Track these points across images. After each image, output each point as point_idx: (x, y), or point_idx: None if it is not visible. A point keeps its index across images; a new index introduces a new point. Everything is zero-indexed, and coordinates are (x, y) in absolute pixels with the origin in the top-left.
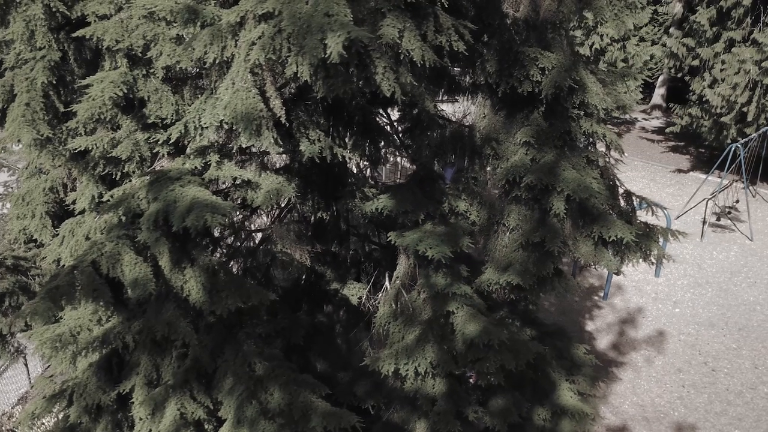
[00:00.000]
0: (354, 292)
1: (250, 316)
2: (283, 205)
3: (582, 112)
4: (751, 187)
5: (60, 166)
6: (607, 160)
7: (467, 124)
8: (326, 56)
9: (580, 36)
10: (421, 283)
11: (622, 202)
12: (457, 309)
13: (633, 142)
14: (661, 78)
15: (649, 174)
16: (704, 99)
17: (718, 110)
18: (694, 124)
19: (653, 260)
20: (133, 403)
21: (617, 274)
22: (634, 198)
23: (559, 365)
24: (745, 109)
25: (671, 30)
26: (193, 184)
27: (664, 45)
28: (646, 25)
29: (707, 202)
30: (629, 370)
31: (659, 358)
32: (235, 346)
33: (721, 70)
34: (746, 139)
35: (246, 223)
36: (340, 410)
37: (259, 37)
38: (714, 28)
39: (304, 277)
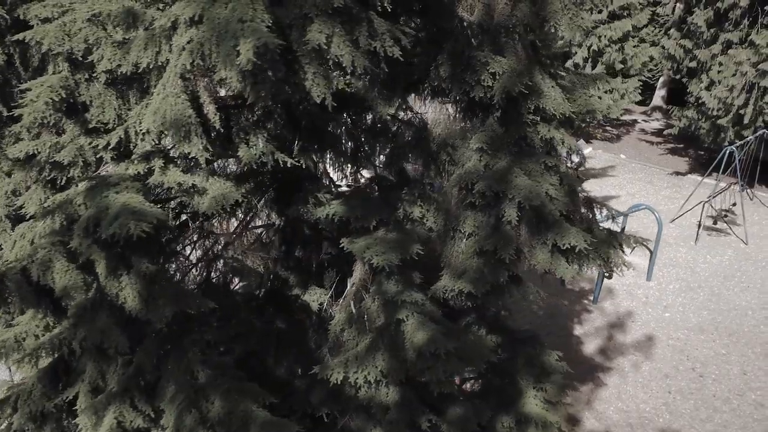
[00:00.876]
0: (315, 298)
1: (198, 323)
2: (243, 211)
3: (539, 118)
4: (748, 190)
5: (6, 170)
6: (569, 166)
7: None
8: (239, 63)
9: (578, 37)
10: (373, 290)
11: (584, 209)
12: (408, 317)
13: (632, 144)
14: (661, 80)
15: (647, 176)
16: (700, 101)
17: (715, 112)
18: (693, 126)
19: (613, 268)
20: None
21: (608, 277)
22: (596, 205)
23: (528, 372)
24: (742, 112)
25: (670, 31)
26: (130, 191)
27: (662, 47)
28: (646, 26)
29: (704, 205)
30: (615, 376)
31: (646, 364)
32: (179, 353)
33: (719, 72)
34: (741, 142)
35: (208, 229)
36: (280, 420)
37: (188, 42)
38: (712, 30)
39: (269, 282)
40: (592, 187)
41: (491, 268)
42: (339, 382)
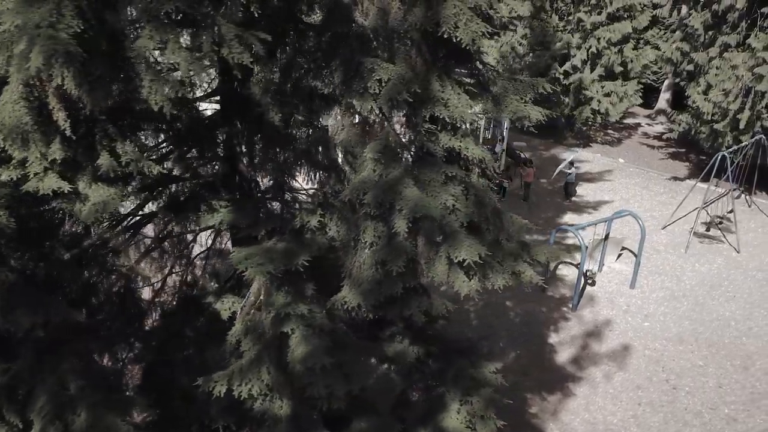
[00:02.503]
0: (227, 306)
1: (89, 331)
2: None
3: (438, 126)
4: (747, 197)
5: None
6: (478, 174)
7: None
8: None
9: (577, 39)
10: (264, 302)
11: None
12: (293, 330)
13: (633, 147)
14: (666, 82)
15: (643, 181)
16: (694, 105)
17: (710, 117)
18: (693, 130)
19: (532, 281)
20: None
21: (591, 285)
22: (503, 215)
23: (456, 385)
24: (739, 116)
25: (668, 34)
26: None
27: (658, 49)
28: (650, 28)
29: (698, 211)
30: (586, 386)
31: (619, 374)
32: (54, 363)
33: (715, 76)
34: (735, 148)
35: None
36: None
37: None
38: (710, 32)
39: (185, 288)
40: (585, 191)
41: (388, 280)
42: (221, 395)
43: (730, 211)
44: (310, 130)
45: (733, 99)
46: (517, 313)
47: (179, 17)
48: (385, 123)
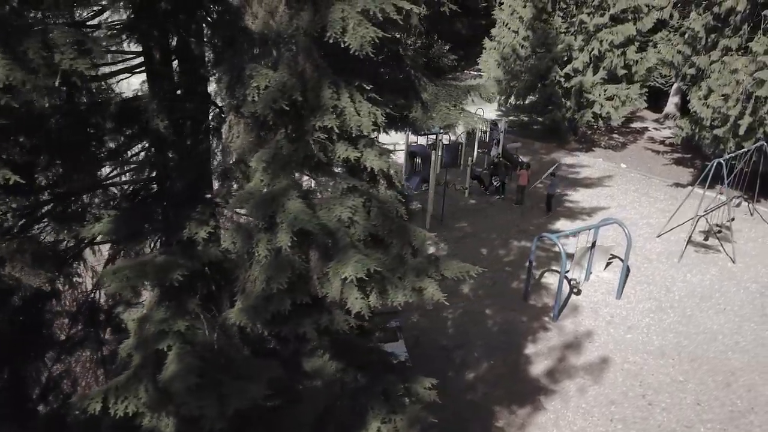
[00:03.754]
0: (135, 316)
1: None
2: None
3: (333, 136)
4: (750, 205)
5: None
6: (386, 186)
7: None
8: None
9: (579, 41)
10: (148, 316)
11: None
12: (170, 347)
13: (636, 152)
14: (675, 86)
15: (644, 187)
16: (692, 110)
17: (708, 122)
18: (696, 136)
19: (433, 298)
20: None
21: (577, 293)
22: (408, 229)
23: (381, 402)
24: (740, 122)
25: (673, 36)
26: None
27: (659, 52)
28: (659, 30)
29: (698, 219)
30: (558, 399)
31: (594, 388)
32: None
33: (716, 80)
34: (731, 155)
35: None
36: None
37: None
38: (712, 35)
39: (92, 297)
40: (582, 197)
41: (276, 296)
42: (97, 412)
43: (732, 220)
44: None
45: (733, 104)
46: (496, 321)
47: None
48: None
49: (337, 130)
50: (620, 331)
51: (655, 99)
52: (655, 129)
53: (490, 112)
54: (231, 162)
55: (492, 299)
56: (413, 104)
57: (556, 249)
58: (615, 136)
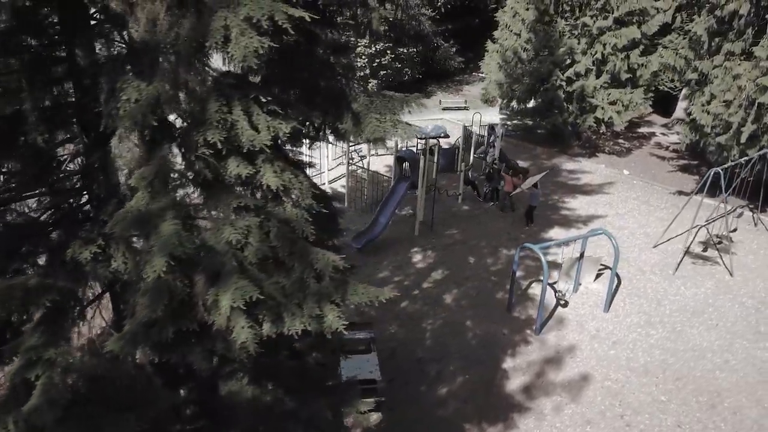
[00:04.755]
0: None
1: None
2: None
3: (223, 151)
4: (754, 214)
5: None
6: (292, 204)
7: None
8: None
9: (583, 45)
10: (18, 343)
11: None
12: (38, 376)
13: (641, 158)
14: (684, 91)
15: (645, 195)
16: (691, 117)
17: (709, 129)
18: (702, 142)
19: (332, 327)
20: None
21: (564, 305)
22: (312, 251)
23: (310, 425)
24: (742, 129)
25: (671, 39)
26: None
27: (660, 56)
28: (668, 33)
29: (698, 229)
30: (531, 418)
31: (570, 407)
32: None
33: (717, 86)
34: (730, 164)
35: None
36: None
37: None
38: (716, 39)
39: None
40: (579, 205)
41: (160, 322)
42: None
43: (734, 230)
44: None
45: (735, 111)
46: (476, 334)
47: None
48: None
49: (220, 146)
50: (604, 347)
51: (665, 103)
52: (663, 134)
53: (492, 115)
54: (122, 178)
55: (474, 310)
56: (344, 114)
57: (549, 258)
58: (620, 141)
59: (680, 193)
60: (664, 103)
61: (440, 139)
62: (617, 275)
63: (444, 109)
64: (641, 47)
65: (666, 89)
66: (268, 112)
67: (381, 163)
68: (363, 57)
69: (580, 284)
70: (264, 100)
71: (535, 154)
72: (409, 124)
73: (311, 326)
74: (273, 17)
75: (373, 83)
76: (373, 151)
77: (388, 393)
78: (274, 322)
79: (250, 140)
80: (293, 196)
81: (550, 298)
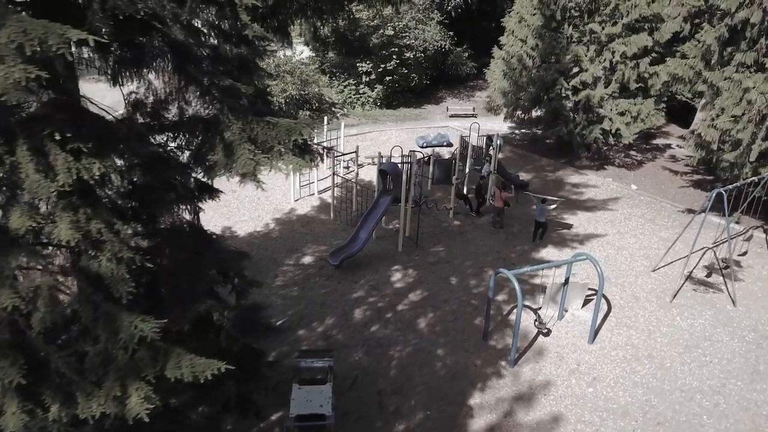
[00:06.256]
0: None
1: None
2: None
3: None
4: (767, 236)
5: None
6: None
7: None
8: None
9: (591, 52)
10: None
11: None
12: None
13: (652, 172)
14: (702, 101)
15: (651, 212)
16: (695, 132)
17: (716, 146)
18: (714, 158)
19: (133, 411)
20: None
21: (546, 334)
22: (120, 318)
23: None
24: (752, 147)
25: (681, 48)
26: None
27: (667, 65)
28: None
29: (704, 252)
30: None
31: None
32: None
33: (726, 99)
34: (734, 186)
35: None
36: None
37: None
38: (727, 49)
39: None
40: (579, 222)
41: None
42: None
43: (744, 253)
44: None
45: (743, 127)
46: (446, 364)
47: None
48: None
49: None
50: (582, 384)
51: (684, 113)
52: (679, 146)
53: (498, 124)
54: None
55: (448, 337)
56: (215, 145)
57: (533, 282)
58: (632, 153)
59: (689, 211)
60: (683, 113)
61: (442, 148)
62: (608, 302)
63: (451, 116)
64: (652, 55)
65: (684, 99)
66: (72, 150)
67: (373, 174)
68: (366, 62)
69: (566, 311)
70: (69, 135)
71: (539, 166)
72: (304, 154)
73: (110, 410)
74: (46, 41)
75: (378, 89)
76: (360, 162)
77: (339, 429)
78: (63, 404)
79: (34, 189)
80: (108, 250)
81: (532, 327)
